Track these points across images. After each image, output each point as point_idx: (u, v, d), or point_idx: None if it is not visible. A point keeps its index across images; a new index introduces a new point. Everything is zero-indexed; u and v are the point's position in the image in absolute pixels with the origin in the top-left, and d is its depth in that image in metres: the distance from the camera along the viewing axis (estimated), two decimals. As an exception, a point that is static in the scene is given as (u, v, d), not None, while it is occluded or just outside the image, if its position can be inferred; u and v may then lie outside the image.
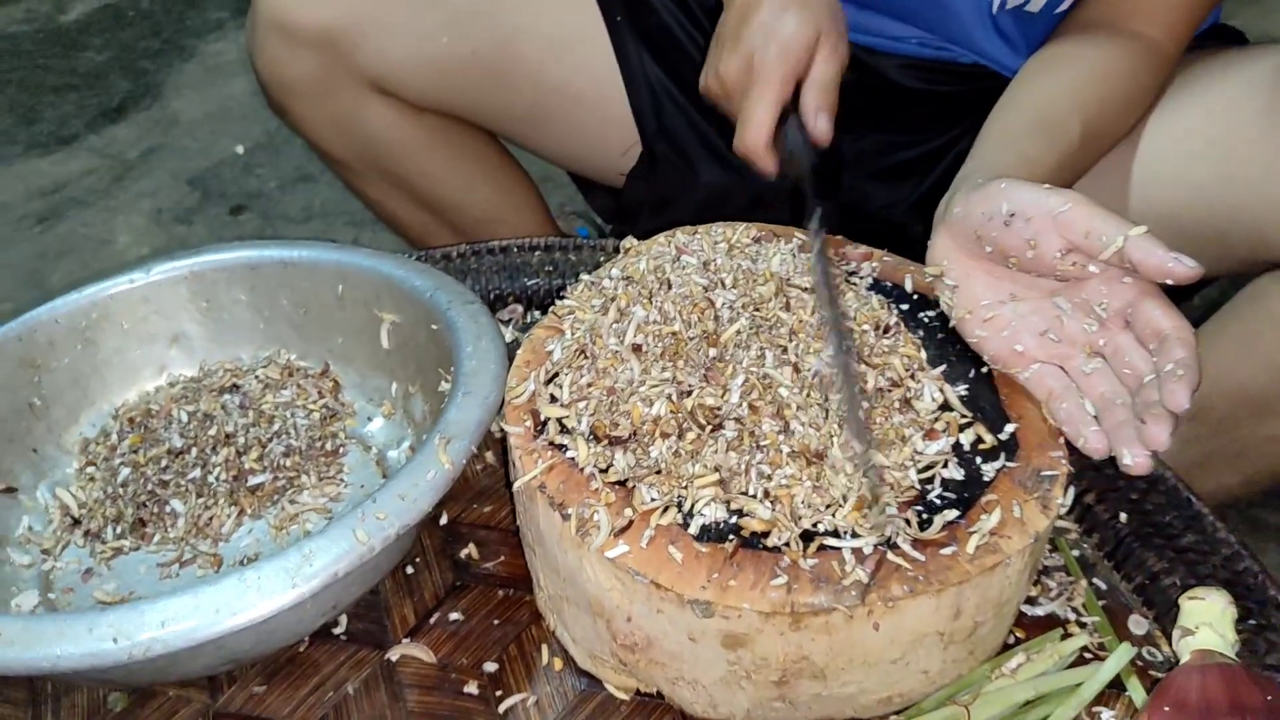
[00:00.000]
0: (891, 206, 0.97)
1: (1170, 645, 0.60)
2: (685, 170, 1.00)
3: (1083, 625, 0.61)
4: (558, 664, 0.61)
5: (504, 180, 1.13)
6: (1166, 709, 0.51)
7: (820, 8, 0.73)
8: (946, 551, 0.52)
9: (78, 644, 0.48)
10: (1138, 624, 0.62)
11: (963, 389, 0.60)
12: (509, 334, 0.82)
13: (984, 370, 0.62)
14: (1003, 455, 0.57)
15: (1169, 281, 0.54)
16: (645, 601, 0.52)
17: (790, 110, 0.73)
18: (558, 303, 0.66)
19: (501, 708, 0.58)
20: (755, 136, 0.73)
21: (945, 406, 0.59)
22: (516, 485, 0.57)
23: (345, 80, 0.98)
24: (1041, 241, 0.57)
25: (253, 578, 0.50)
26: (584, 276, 0.68)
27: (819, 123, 0.72)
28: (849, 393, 0.55)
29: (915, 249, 0.66)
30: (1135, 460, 0.55)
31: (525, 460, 0.56)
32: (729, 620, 0.51)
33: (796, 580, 0.51)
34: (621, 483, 0.54)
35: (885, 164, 0.96)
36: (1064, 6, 0.81)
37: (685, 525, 0.53)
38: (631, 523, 0.53)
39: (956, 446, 0.57)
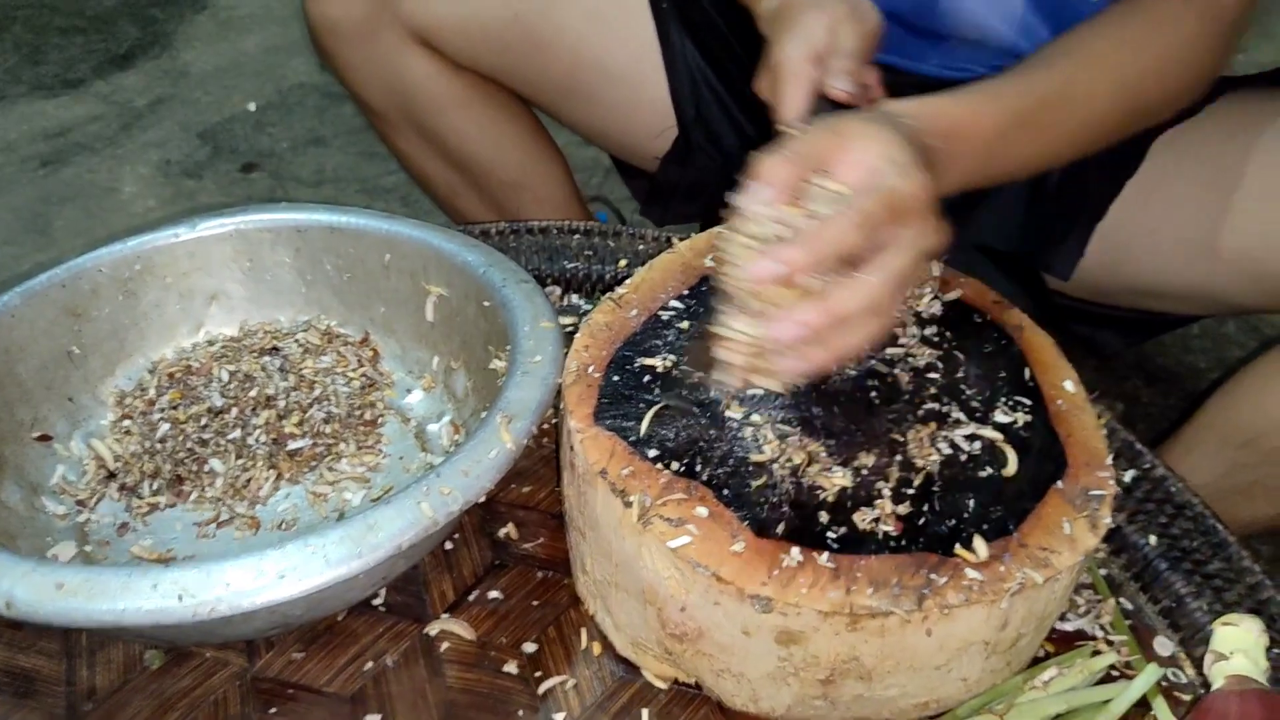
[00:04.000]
0: None
1: (1195, 668, 0.62)
2: (719, 158, 1.00)
3: (1110, 643, 0.62)
4: (596, 649, 0.61)
5: (534, 148, 1.13)
6: (1205, 730, 0.52)
7: (837, 3, 0.72)
8: (1000, 565, 0.53)
9: (142, 598, 0.48)
10: (1163, 645, 0.63)
11: (1012, 407, 0.61)
12: (548, 316, 0.82)
13: (1030, 384, 0.63)
14: (1052, 471, 0.58)
15: None
16: (703, 593, 0.53)
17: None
18: (616, 290, 0.66)
19: (541, 689, 0.59)
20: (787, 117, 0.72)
21: (991, 421, 0.60)
22: (569, 471, 0.57)
23: (389, 28, 0.98)
24: None
25: (318, 544, 0.50)
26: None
27: (838, 82, 0.71)
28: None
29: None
30: None
31: (587, 445, 0.56)
32: (786, 617, 0.51)
33: (855, 582, 0.51)
34: (687, 472, 0.55)
35: None
36: None
37: (749, 519, 0.53)
38: (694, 513, 0.53)
39: (1005, 458, 0.58)
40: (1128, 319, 0.95)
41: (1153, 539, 0.67)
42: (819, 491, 0.55)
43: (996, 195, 0.93)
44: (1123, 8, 0.73)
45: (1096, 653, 0.61)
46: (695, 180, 1.03)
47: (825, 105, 0.71)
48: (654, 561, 0.54)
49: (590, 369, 0.61)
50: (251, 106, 1.81)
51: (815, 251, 0.52)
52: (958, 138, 0.63)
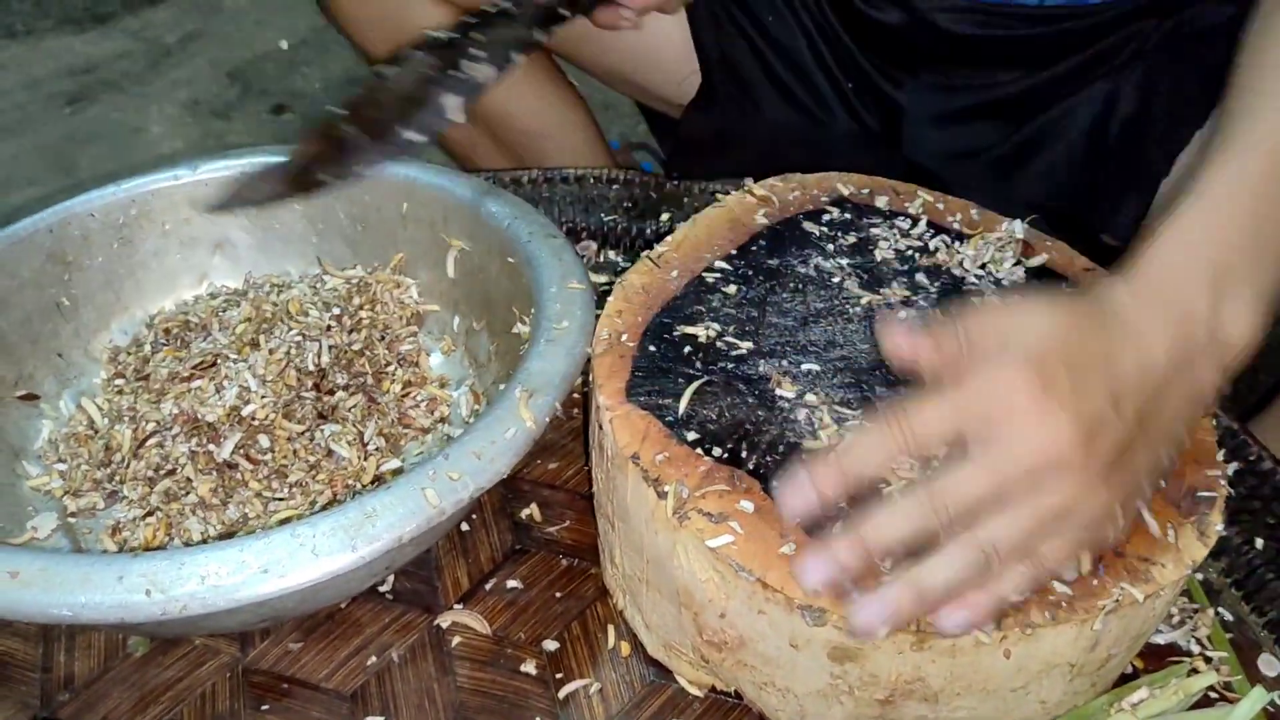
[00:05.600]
0: (951, 155, 0.89)
1: (1308, 693, 0.54)
2: (748, 106, 0.93)
3: (1208, 660, 0.55)
4: (625, 649, 0.55)
5: (553, 94, 1.06)
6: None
7: None
8: (1093, 578, 0.45)
9: (104, 593, 0.42)
10: (1269, 665, 0.56)
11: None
12: (581, 273, 0.75)
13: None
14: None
15: None
16: (746, 600, 0.46)
17: None
18: (654, 248, 0.59)
19: (562, 693, 0.53)
20: None
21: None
22: (598, 452, 0.50)
23: None
24: None
25: (307, 535, 0.44)
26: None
27: None
28: None
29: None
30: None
31: (618, 425, 0.49)
32: (842, 631, 0.44)
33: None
34: (731, 459, 0.48)
35: (940, 111, 0.89)
36: None
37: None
38: (738, 508, 0.46)
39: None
40: None
41: (1259, 542, 0.59)
42: (883, 486, 0.48)
43: (1050, 150, 0.85)
44: None
45: (1193, 671, 0.54)
46: (722, 129, 0.95)
47: None
48: (690, 561, 0.47)
49: (624, 337, 0.53)
50: (284, 45, 1.74)
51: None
52: (1213, 263, 0.45)
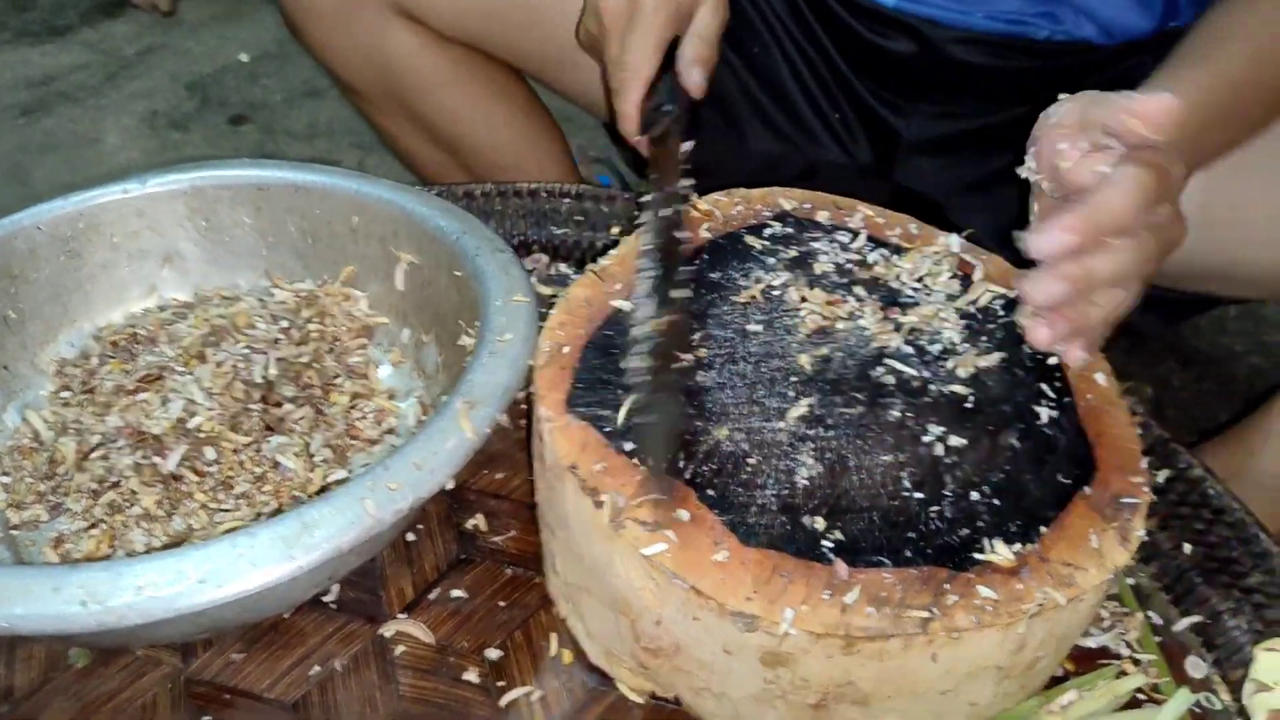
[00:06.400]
0: (943, 185, 0.91)
1: (1231, 694, 0.56)
2: (732, 135, 0.93)
3: (1137, 663, 0.56)
4: (567, 656, 0.55)
5: (528, 126, 1.06)
6: (1242, 774, 0.47)
7: None
8: (1017, 582, 0.47)
9: (41, 604, 0.42)
10: (1196, 667, 0.57)
11: (1036, 401, 0.54)
12: (531, 286, 0.76)
13: (1057, 375, 0.56)
14: (1079, 475, 0.51)
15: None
16: (681, 607, 0.47)
17: (664, 65, 0.69)
18: (599, 260, 0.60)
19: (503, 700, 0.53)
20: (632, 79, 0.68)
21: (1013, 417, 0.53)
22: (539, 463, 0.51)
23: (369, 1, 0.91)
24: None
25: (245, 545, 0.44)
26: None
27: (693, 75, 0.68)
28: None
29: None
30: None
31: (556, 436, 0.50)
32: (773, 637, 0.45)
33: (852, 599, 0.45)
34: (668, 469, 0.49)
35: (937, 137, 0.90)
36: None
37: (734, 524, 0.47)
38: (674, 516, 0.47)
39: (1027, 459, 0.52)
40: (1170, 299, 0.88)
41: (1187, 547, 0.61)
42: (816, 494, 0.49)
43: None
44: None
45: (1122, 673, 0.56)
46: (707, 160, 0.97)
47: (667, 79, 0.67)
48: (627, 570, 0.48)
49: (565, 349, 0.54)
50: (245, 57, 1.73)
51: (1097, 222, 0.50)
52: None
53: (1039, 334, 0.51)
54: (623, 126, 0.70)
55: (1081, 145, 0.53)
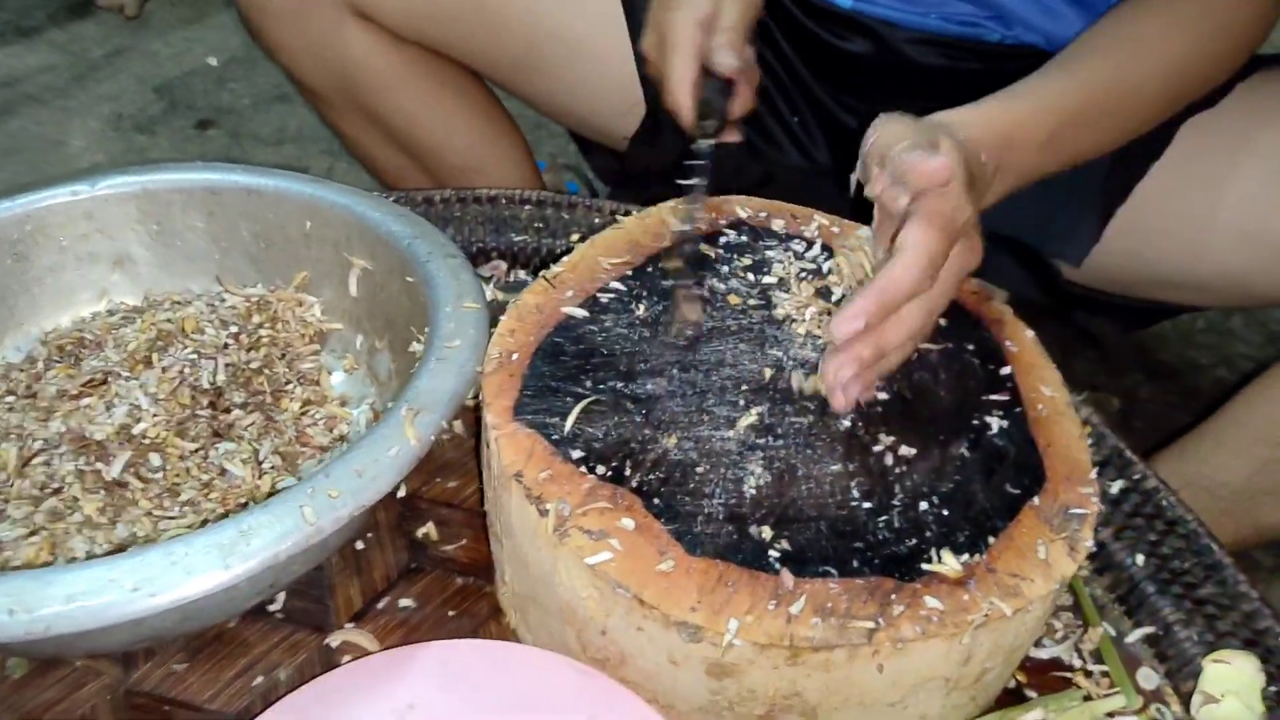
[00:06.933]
0: None
1: (1182, 705, 0.56)
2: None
3: (1089, 674, 0.56)
4: (515, 667, 0.55)
5: (487, 127, 1.05)
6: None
7: None
8: (964, 593, 0.46)
9: (-35, 613, 0.41)
10: (1147, 678, 0.57)
11: (986, 411, 0.54)
12: (489, 292, 0.75)
13: (1008, 385, 0.56)
14: (1027, 485, 0.51)
15: None
16: (625, 616, 0.46)
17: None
18: (551, 268, 0.59)
19: (449, 712, 0.52)
20: (676, 90, 0.71)
21: (962, 427, 0.53)
22: (487, 471, 0.51)
23: (325, 1, 0.90)
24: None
25: (180, 553, 0.44)
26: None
27: (722, 57, 0.70)
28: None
29: None
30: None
31: (503, 444, 0.50)
32: (718, 647, 0.45)
33: (797, 609, 0.45)
34: (614, 477, 0.48)
35: None
36: None
37: (680, 533, 0.47)
38: (619, 525, 0.47)
39: (976, 469, 0.51)
40: (1128, 306, 0.89)
41: (1140, 558, 0.61)
42: (763, 503, 0.49)
43: None
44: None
45: (1078, 687, 0.55)
46: (669, 164, 0.96)
47: (710, 79, 0.71)
48: (571, 579, 0.47)
49: (514, 356, 0.54)
50: (213, 61, 1.72)
51: (884, 303, 0.51)
52: (1011, 147, 0.61)
53: (837, 402, 0.52)
54: (684, 123, 0.72)
55: (885, 179, 0.55)
